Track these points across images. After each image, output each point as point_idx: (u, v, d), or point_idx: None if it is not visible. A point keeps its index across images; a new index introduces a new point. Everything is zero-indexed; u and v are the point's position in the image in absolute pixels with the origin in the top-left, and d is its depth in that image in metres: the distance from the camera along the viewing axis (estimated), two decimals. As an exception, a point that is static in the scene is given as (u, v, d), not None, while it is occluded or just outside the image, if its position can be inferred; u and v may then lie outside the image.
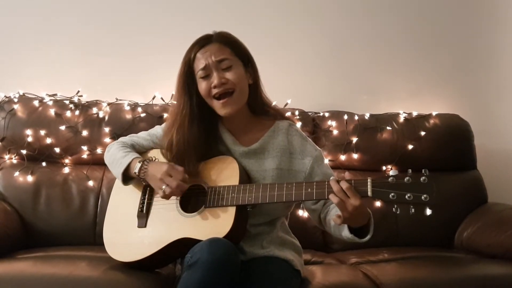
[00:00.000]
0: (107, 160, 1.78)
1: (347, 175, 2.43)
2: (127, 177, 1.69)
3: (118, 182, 1.76)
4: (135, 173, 1.64)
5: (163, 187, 1.56)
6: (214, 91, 1.61)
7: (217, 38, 1.65)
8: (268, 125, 1.72)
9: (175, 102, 1.69)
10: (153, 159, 1.68)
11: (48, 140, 2.32)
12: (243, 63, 1.66)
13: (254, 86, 1.70)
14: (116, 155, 1.71)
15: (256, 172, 1.66)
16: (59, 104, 2.40)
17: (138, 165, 1.63)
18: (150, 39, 2.68)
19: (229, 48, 1.65)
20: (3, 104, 2.36)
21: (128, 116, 2.39)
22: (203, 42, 1.65)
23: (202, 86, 1.63)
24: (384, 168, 2.48)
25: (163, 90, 2.53)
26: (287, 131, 1.72)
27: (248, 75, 1.67)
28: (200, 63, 1.62)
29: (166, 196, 1.58)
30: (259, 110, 1.73)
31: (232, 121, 1.69)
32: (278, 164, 1.66)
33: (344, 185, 1.41)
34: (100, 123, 2.37)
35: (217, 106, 1.63)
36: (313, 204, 1.68)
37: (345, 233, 1.52)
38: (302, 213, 2.27)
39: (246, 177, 1.63)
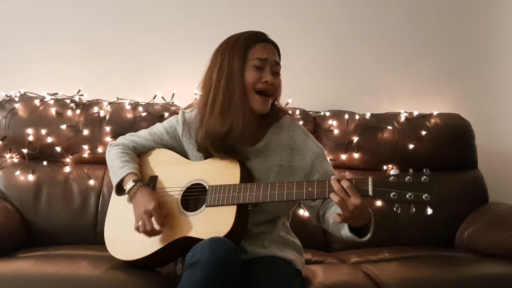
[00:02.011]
0: (107, 161, 1.78)
1: (347, 174, 2.43)
2: (120, 188, 1.69)
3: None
4: (125, 189, 1.65)
5: (140, 223, 1.56)
6: (261, 86, 1.61)
7: (274, 44, 1.68)
8: (270, 122, 1.72)
9: (228, 84, 1.61)
10: (150, 185, 1.67)
11: (49, 139, 2.32)
12: None
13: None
14: (114, 162, 1.71)
15: (260, 171, 1.66)
16: (60, 103, 2.40)
17: (130, 184, 1.64)
18: (151, 38, 2.68)
19: (279, 58, 1.68)
20: (4, 103, 2.37)
21: (129, 115, 2.39)
22: (264, 37, 1.66)
23: (252, 74, 1.61)
24: (385, 167, 2.48)
25: (164, 89, 2.53)
26: (289, 126, 1.72)
27: None
28: (260, 53, 1.61)
29: (137, 230, 1.57)
30: (266, 117, 1.73)
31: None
32: (279, 161, 1.66)
33: (345, 184, 1.41)
34: (101, 122, 2.37)
35: (257, 100, 1.61)
36: (311, 200, 1.68)
37: (345, 232, 1.52)
38: (303, 213, 2.27)
39: (247, 176, 1.63)
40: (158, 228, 1.54)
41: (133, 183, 1.63)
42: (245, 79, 1.61)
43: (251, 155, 1.66)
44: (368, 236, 1.50)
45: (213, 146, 1.62)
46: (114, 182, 1.69)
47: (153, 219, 1.54)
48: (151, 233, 1.56)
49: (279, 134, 1.70)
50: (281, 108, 1.77)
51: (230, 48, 1.63)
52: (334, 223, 1.55)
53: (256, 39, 1.64)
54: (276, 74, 1.64)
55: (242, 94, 1.59)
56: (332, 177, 1.46)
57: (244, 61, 1.61)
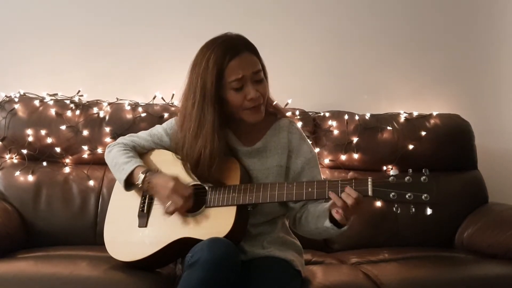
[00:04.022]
0: (108, 161, 1.77)
1: (351, 175, 2.43)
2: (129, 183, 1.68)
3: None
4: (138, 184, 1.64)
5: (168, 203, 1.56)
6: (249, 104, 1.58)
7: (247, 47, 1.59)
8: (269, 123, 1.72)
9: (197, 110, 1.58)
10: (158, 170, 1.68)
11: (49, 140, 2.32)
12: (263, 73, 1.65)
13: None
14: (118, 159, 1.70)
15: (259, 172, 1.66)
16: (60, 103, 2.40)
17: (141, 176, 1.62)
18: (151, 39, 2.68)
19: (257, 58, 1.62)
20: (4, 104, 2.36)
21: (129, 116, 2.38)
22: (235, 50, 1.56)
23: (235, 97, 1.57)
24: (384, 168, 2.47)
25: (163, 90, 2.53)
26: (288, 128, 1.72)
27: None
28: (235, 73, 1.55)
29: (170, 213, 1.58)
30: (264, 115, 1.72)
31: (238, 123, 1.68)
32: (278, 161, 1.67)
33: (349, 201, 1.41)
34: (100, 122, 2.37)
35: (246, 114, 1.60)
36: (293, 202, 1.66)
37: (327, 223, 1.51)
38: (303, 213, 2.27)
39: (247, 177, 1.64)
40: (188, 195, 1.56)
41: (143, 175, 1.62)
42: (229, 103, 1.58)
43: (250, 155, 1.67)
44: (346, 227, 1.49)
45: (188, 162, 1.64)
46: (122, 177, 1.66)
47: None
48: (182, 208, 1.56)
49: (278, 136, 1.70)
50: (279, 109, 1.78)
51: (202, 70, 1.56)
52: (316, 218, 1.56)
53: (227, 57, 1.55)
54: (259, 82, 1.59)
55: (213, 123, 1.57)
56: (330, 192, 1.45)
57: (221, 85, 1.57)
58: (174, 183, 1.57)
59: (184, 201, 1.55)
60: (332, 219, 1.49)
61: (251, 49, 1.61)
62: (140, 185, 1.63)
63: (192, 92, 1.60)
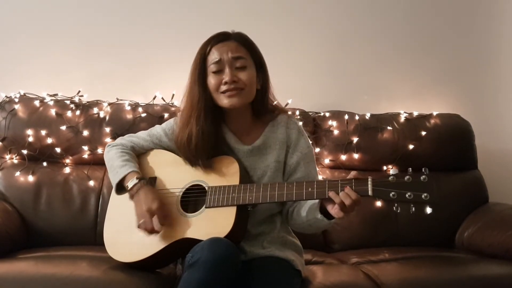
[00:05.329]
0: (105, 162, 1.78)
1: (353, 174, 2.43)
2: (120, 187, 1.69)
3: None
4: (127, 186, 1.65)
5: (141, 221, 1.57)
6: (224, 87, 1.61)
7: (236, 37, 1.67)
8: (267, 120, 1.74)
9: (188, 95, 1.67)
10: (152, 182, 1.69)
11: (49, 140, 2.32)
12: (255, 67, 1.67)
13: (262, 91, 1.70)
14: (114, 161, 1.72)
15: (259, 169, 1.67)
16: (60, 104, 2.40)
17: (134, 181, 1.64)
18: (151, 39, 2.68)
19: (245, 49, 1.66)
20: (4, 104, 2.37)
21: (129, 116, 2.38)
22: (221, 37, 1.66)
23: (212, 80, 1.63)
24: (384, 168, 2.48)
25: (164, 90, 2.53)
26: (286, 124, 1.73)
27: (258, 80, 1.68)
28: (214, 56, 1.62)
29: (140, 228, 1.59)
30: (262, 112, 1.74)
31: (235, 121, 1.70)
32: (277, 157, 1.68)
33: (347, 201, 1.41)
34: (101, 123, 2.37)
35: (222, 98, 1.63)
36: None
37: (317, 214, 1.52)
38: (303, 213, 2.27)
39: (247, 176, 1.64)
40: (159, 229, 1.55)
41: (137, 180, 1.63)
42: (208, 87, 1.64)
43: (251, 153, 1.68)
44: (335, 219, 1.49)
45: (183, 153, 1.67)
46: (115, 181, 1.68)
47: (154, 218, 1.55)
48: (151, 232, 1.57)
49: (275, 132, 1.71)
50: (277, 106, 1.78)
51: (194, 59, 1.67)
52: (308, 210, 1.57)
53: (210, 44, 1.65)
54: (240, 69, 1.63)
55: (202, 102, 1.63)
56: (330, 193, 1.45)
57: (204, 70, 1.64)
58: (156, 206, 1.58)
59: (152, 228, 1.56)
60: (323, 211, 1.50)
61: (240, 40, 1.67)
62: (129, 188, 1.64)
63: (188, 79, 1.68)
